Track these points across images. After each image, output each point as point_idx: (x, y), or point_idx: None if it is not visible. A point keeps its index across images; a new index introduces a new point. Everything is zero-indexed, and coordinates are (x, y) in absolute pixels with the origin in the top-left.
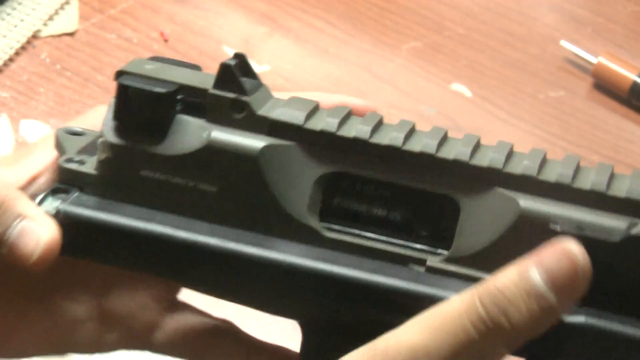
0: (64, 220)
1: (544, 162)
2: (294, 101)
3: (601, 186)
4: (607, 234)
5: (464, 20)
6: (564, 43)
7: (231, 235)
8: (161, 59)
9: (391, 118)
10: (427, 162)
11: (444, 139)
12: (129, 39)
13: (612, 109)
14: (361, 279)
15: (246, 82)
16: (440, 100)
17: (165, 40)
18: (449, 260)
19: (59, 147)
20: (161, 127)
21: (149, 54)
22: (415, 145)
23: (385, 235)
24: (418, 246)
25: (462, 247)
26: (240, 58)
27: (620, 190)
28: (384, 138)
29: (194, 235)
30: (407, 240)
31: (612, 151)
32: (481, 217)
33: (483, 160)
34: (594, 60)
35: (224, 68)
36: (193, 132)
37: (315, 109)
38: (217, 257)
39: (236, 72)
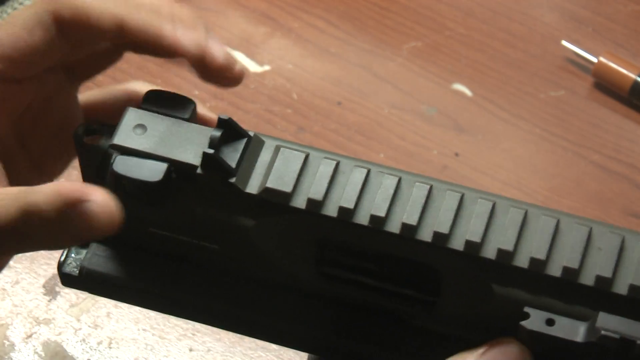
0: (86, 274)
1: (521, 234)
2: (281, 163)
3: (572, 274)
4: (573, 333)
5: (464, 20)
6: (565, 43)
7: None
8: (157, 93)
9: (391, 118)
10: (407, 238)
11: (427, 202)
12: None
13: (612, 109)
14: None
15: (231, 155)
16: (441, 100)
17: None
18: (434, 319)
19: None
20: (159, 197)
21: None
22: (396, 224)
23: (377, 283)
24: (408, 299)
25: (446, 309)
26: (225, 124)
27: (590, 276)
28: (366, 216)
29: (200, 300)
30: (396, 293)
31: (612, 151)
32: (461, 288)
33: (461, 237)
34: (594, 59)
35: (206, 156)
36: (188, 206)
37: (303, 167)
38: (222, 318)
39: (218, 157)
